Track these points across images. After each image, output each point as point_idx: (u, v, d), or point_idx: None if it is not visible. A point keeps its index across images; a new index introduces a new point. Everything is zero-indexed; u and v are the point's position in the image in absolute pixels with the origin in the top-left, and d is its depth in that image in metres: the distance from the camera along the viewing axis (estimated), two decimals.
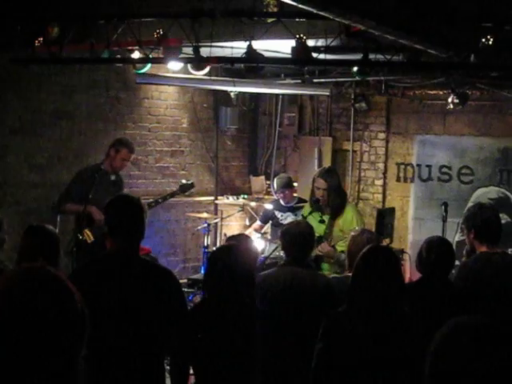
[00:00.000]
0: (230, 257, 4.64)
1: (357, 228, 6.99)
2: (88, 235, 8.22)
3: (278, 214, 9.98)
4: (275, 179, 10.75)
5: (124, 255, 4.64)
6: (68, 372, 1.98)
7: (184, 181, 9.79)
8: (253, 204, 11.29)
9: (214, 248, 9.23)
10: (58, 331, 1.95)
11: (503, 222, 7.71)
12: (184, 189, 9.57)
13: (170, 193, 9.61)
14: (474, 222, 5.99)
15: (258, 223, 10.44)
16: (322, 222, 7.75)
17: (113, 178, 8.70)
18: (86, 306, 2.05)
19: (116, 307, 4.50)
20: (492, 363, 2.01)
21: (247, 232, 9.80)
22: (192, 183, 9.72)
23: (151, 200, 9.13)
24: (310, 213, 7.69)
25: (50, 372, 1.95)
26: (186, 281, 9.29)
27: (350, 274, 5.23)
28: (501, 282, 5.73)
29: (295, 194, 10.40)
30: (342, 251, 7.21)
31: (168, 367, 4.95)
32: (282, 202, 10.04)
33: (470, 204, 10.43)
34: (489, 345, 2.05)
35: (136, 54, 8.24)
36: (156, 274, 4.67)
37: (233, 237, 6.75)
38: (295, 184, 10.84)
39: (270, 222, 10.22)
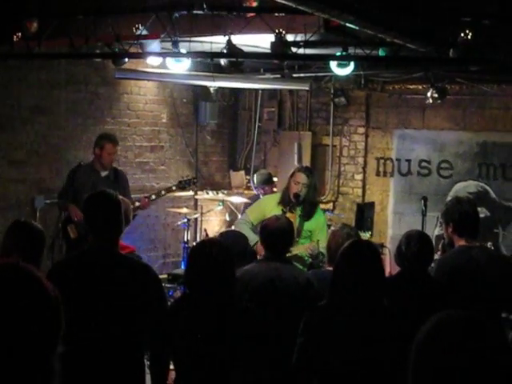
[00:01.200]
0: (211, 252, 4.63)
1: (323, 240, 6.97)
2: (72, 231, 8.22)
3: None
4: (255, 175, 10.75)
5: (102, 250, 4.63)
6: (42, 369, 1.97)
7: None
8: (232, 199, 11.25)
9: (195, 243, 9.21)
10: (29, 328, 1.93)
11: (482, 215, 7.75)
12: (183, 185, 9.63)
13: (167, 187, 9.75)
14: (451, 216, 5.99)
15: None
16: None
17: (104, 174, 8.75)
18: (63, 302, 2.03)
19: (94, 302, 4.50)
20: (476, 357, 2.02)
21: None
22: (191, 179, 9.82)
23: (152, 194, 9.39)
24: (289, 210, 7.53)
25: (23, 369, 1.93)
26: (166, 276, 9.29)
27: (330, 269, 5.26)
28: (480, 275, 5.77)
29: (275, 190, 10.39)
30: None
31: (148, 362, 4.94)
32: (261, 197, 10.04)
33: (448, 198, 10.46)
34: (473, 338, 2.05)
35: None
36: (135, 269, 4.66)
37: (225, 232, 6.76)
38: (275, 179, 10.84)
39: None
